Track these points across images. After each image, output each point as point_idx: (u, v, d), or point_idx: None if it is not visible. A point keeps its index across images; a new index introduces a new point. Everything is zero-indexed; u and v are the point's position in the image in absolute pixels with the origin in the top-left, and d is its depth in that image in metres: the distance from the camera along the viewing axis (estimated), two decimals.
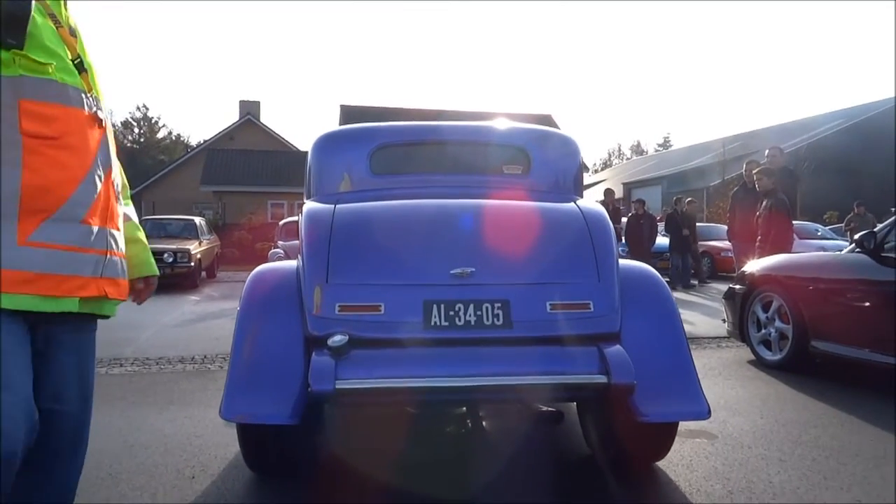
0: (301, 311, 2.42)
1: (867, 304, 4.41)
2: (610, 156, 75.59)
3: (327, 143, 3.48)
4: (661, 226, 13.79)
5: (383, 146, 3.38)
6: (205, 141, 34.34)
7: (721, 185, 25.67)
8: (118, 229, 1.58)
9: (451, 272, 2.46)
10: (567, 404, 3.47)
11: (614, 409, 2.50)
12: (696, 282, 12.89)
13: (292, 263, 2.75)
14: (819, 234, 15.95)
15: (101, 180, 1.48)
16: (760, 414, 3.80)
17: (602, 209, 2.93)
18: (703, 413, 2.43)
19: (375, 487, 2.65)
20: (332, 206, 2.77)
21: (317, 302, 2.39)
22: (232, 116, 34.32)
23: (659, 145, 67.03)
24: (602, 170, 58.90)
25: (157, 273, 1.86)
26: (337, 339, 2.26)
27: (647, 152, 66.68)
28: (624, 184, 36.29)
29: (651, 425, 2.46)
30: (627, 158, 67.55)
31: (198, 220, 14.87)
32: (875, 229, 4.50)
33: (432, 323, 2.37)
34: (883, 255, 4.36)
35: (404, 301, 2.41)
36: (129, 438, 3.30)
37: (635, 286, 2.65)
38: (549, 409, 2.82)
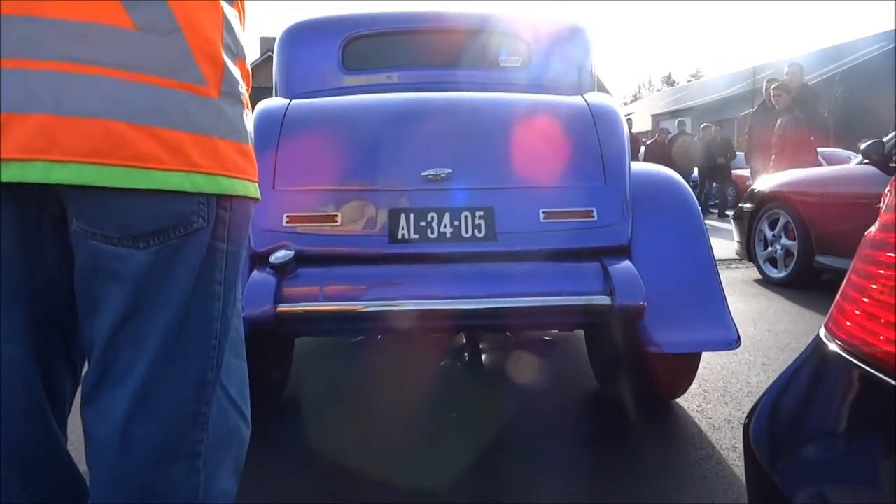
0: None
1: (873, 216, 4.30)
2: (640, 88, 73.64)
3: (294, 36, 2.98)
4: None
5: (357, 37, 2.94)
6: None
7: (752, 113, 24.96)
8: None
9: (423, 174, 2.10)
10: (575, 333, 3.21)
11: (623, 336, 2.17)
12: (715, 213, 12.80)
13: None
14: (851, 160, 15.49)
15: None
16: (754, 325, 3.78)
17: (614, 103, 2.50)
18: (732, 341, 2.00)
19: (352, 433, 2.29)
20: (287, 101, 2.41)
21: (261, 212, 2.03)
22: (252, 54, 33.93)
23: (692, 76, 64.96)
24: (632, 102, 57.48)
25: None
26: (280, 255, 1.94)
27: (678, 84, 64.72)
28: (653, 115, 35.44)
29: (667, 356, 2.08)
30: (658, 90, 65.72)
31: None
32: (884, 139, 4.35)
33: (399, 236, 2.04)
34: (891, 164, 4.23)
35: (365, 209, 2.07)
36: None
37: (650, 191, 2.25)
38: (544, 337, 2.53)
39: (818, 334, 0.69)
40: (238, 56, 0.91)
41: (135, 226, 0.82)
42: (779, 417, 0.65)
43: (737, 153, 13.22)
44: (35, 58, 0.75)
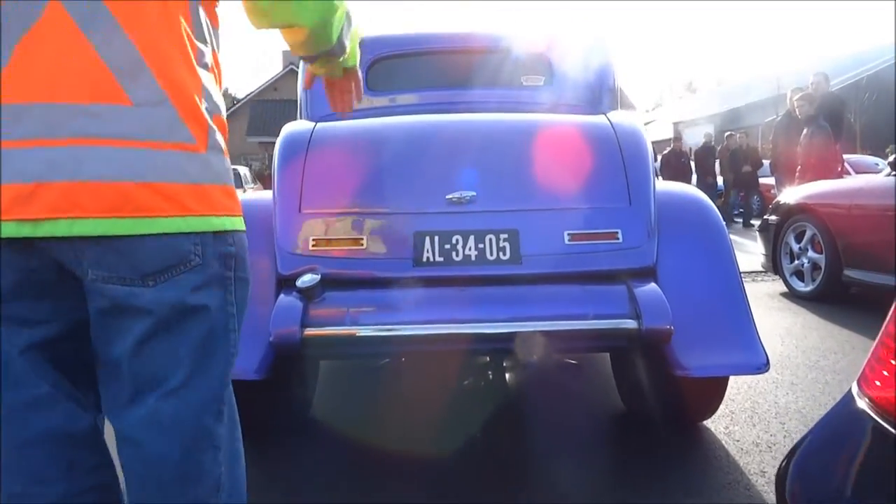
0: (274, 248, 2.09)
1: None
2: (661, 95, 73.16)
3: None
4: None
5: (382, 58, 2.96)
6: (249, 93, 34.62)
7: (776, 120, 24.65)
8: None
9: (447, 197, 2.10)
10: (599, 354, 3.17)
11: (650, 360, 2.15)
12: (739, 220, 12.68)
13: (269, 194, 2.32)
14: (879, 168, 15.24)
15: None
16: (781, 341, 3.74)
17: (638, 122, 2.48)
18: (761, 365, 1.98)
19: (374, 450, 2.32)
20: (313, 125, 2.42)
21: (288, 236, 2.08)
22: (275, 67, 34.49)
23: (714, 82, 64.37)
24: (653, 109, 57.10)
25: None
26: (307, 279, 1.96)
27: (699, 91, 64.18)
28: (674, 123, 35.16)
29: (694, 379, 2.04)
30: (680, 97, 65.22)
31: (241, 169, 15.32)
32: None
33: (424, 259, 2.04)
34: None
35: (390, 233, 2.08)
36: None
37: (676, 212, 2.23)
38: (569, 360, 2.48)
39: (850, 389, 0.69)
40: (216, 114, 1.07)
41: (145, 267, 0.97)
42: (810, 471, 0.66)
43: (762, 162, 13.14)
44: (56, 137, 0.92)
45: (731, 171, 12.82)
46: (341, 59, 1.29)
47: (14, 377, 0.99)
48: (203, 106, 1.02)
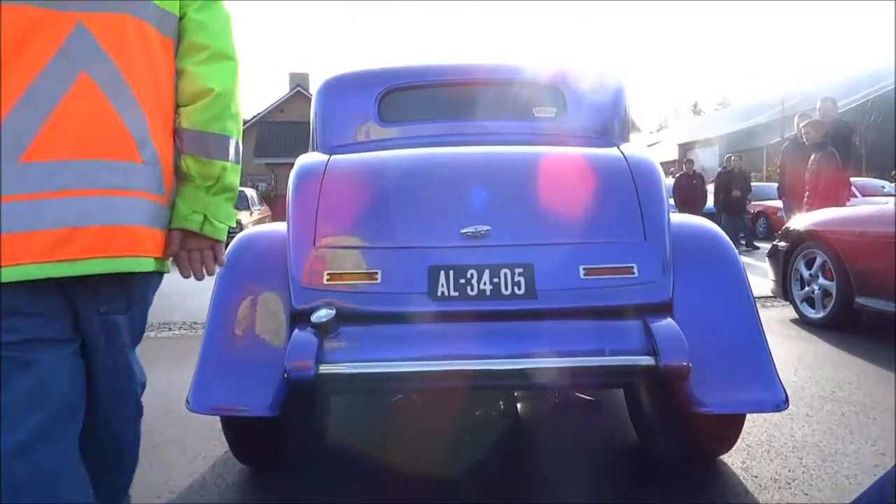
0: (288, 281, 2.10)
1: None
2: (666, 118, 73.45)
3: (331, 89, 3.05)
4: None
5: (394, 89, 2.98)
6: (256, 114, 34.89)
7: (781, 142, 24.68)
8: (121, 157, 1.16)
9: (462, 231, 2.10)
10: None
11: (666, 395, 2.13)
12: (743, 243, 12.63)
13: (284, 226, 2.30)
14: (885, 190, 15.24)
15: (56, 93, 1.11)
16: (794, 371, 3.71)
17: (651, 155, 2.48)
18: (780, 402, 1.97)
19: (386, 481, 2.34)
20: (327, 157, 2.43)
21: (303, 270, 2.08)
22: (282, 89, 34.80)
23: (718, 104, 64.66)
24: (658, 131, 57.34)
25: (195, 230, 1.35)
26: (322, 314, 1.95)
27: (704, 112, 64.47)
28: (679, 145, 35.27)
29: (712, 415, 2.03)
30: (685, 119, 65.47)
31: (248, 191, 15.44)
32: None
33: (439, 293, 2.03)
34: None
35: (405, 267, 2.07)
36: (169, 394, 3.44)
37: (691, 246, 2.22)
38: (586, 397, 2.47)
39: None
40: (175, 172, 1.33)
41: (131, 298, 1.27)
42: None
43: (752, 188, 13.12)
44: (88, 188, 1.11)
45: (721, 194, 12.77)
46: (212, 180, 1.33)
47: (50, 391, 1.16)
48: (174, 165, 1.29)
